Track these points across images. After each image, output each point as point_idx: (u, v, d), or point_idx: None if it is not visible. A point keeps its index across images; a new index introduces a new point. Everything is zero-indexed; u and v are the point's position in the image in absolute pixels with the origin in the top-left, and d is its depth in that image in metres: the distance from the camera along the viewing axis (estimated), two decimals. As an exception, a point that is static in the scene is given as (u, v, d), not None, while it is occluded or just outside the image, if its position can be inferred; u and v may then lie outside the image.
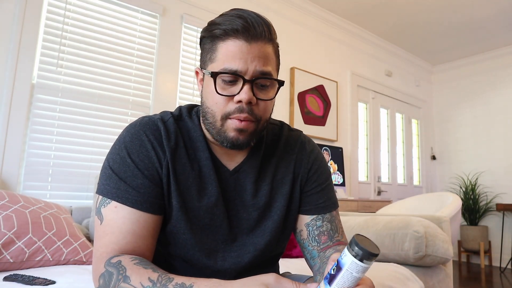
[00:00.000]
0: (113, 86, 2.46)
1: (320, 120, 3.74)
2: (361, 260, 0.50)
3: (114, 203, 0.69)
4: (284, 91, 3.50)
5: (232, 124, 0.71)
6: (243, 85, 0.69)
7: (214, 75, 0.69)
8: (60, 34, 2.26)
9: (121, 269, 0.62)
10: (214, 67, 0.71)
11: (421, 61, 5.22)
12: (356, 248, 0.50)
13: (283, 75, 3.50)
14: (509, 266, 4.38)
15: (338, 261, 0.53)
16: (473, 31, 4.30)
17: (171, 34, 2.75)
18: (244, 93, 0.69)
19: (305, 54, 3.74)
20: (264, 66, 0.70)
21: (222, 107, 0.71)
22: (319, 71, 3.83)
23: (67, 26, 2.30)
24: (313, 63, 3.80)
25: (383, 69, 4.67)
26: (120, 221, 0.68)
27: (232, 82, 0.70)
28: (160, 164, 0.73)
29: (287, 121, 3.48)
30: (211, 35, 0.71)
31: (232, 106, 0.70)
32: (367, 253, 0.50)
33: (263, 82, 0.71)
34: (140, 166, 0.71)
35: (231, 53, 0.68)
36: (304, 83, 3.62)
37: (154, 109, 2.60)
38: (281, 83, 0.74)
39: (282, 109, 3.47)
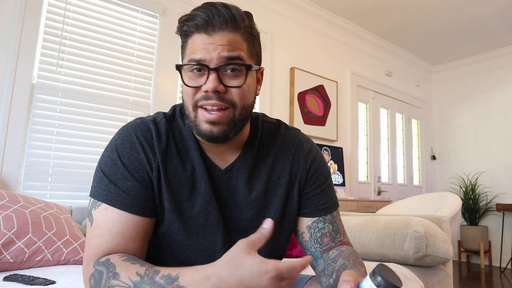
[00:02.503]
0: (113, 86, 2.46)
1: (320, 120, 3.74)
2: None
3: (104, 205, 0.69)
4: (284, 91, 3.51)
5: (202, 116, 0.70)
6: (208, 74, 0.68)
7: (178, 67, 0.71)
8: (60, 34, 2.26)
9: (110, 266, 0.63)
10: (183, 62, 0.72)
11: (421, 61, 5.22)
12: (379, 278, 0.50)
13: (283, 75, 3.50)
14: (509, 266, 4.38)
15: (359, 287, 0.53)
16: (473, 31, 4.30)
17: (171, 34, 2.75)
18: (209, 82, 0.68)
19: (305, 54, 3.74)
20: (229, 52, 0.69)
21: (191, 96, 0.71)
22: (319, 71, 3.83)
23: (67, 26, 2.30)
24: (313, 63, 3.80)
25: (383, 69, 4.67)
26: (110, 224, 0.68)
27: (199, 72, 0.70)
28: (150, 166, 0.73)
29: (287, 121, 3.49)
30: (181, 33, 0.73)
31: (199, 95, 0.70)
32: (390, 285, 0.50)
33: (232, 68, 0.70)
34: (130, 168, 0.71)
35: (194, 46, 0.69)
36: (304, 83, 3.62)
37: (154, 109, 2.60)
38: (248, 66, 0.71)
39: (282, 109, 3.47)
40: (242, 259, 0.55)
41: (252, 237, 0.58)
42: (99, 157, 2.31)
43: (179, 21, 0.72)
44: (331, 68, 4.00)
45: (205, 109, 0.70)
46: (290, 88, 3.54)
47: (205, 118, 0.70)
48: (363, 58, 4.42)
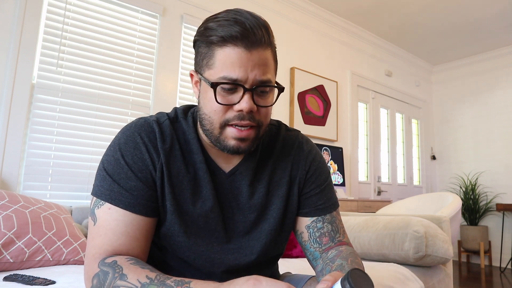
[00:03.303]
0: (113, 86, 2.46)
1: (320, 120, 3.74)
2: None
3: (107, 205, 0.69)
4: (284, 91, 3.50)
5: (232, 133, 0.70)
6: (244, 94, 0.68)
7: (214, 85, 0.67)
8: (60, 34, 2.26)
9: (117, 268, 0.63)
10: (212, 74, 0.68)
11: (421, 61, 5.22)
12: (348, 285, 0.51)
13: (283, 75, 3.50)
14: (509, 266, 4.38)
15: None
16: (473, 31, 4.30)
17: (171, 34, 2.75)
18: (245, 103, 0.67)
19: (305, 54, 3.74)
20: (264, 74, 0.69)
21: (221, 114, 0.69)
22: (319, 71, 3.83)
23: (67, 26, 2.30)
24: (313, 63, 3.80)
25: (383, 69, 4.67)
26: (114, 223, 0.68)
27: (232, 90, 0.68)
28: (154, 167, 0.72)
29: (287, 121, 3.49)
30: (207, 40, 0.68)
31: (231, 114, 0.69)
32: None
33: (263, 89, 0.70)
34: (134, 168, 0.71)
35: (230, 61, 0.66)
36: (304, 83, 3.62)
37: (154, 109, 2.60)
38: (281, 89, 0.73)
39: (282, 109, 3.47)
40: (262, 281, 0.55)
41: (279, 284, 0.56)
42: (99, 157, 2.32)
43: (206, 28, 0.69)
44: (331, 68, 4.00)
45: (235, 126, 0.70)
46: (290, 88, 3.54)
47: (234, 135, 0.70)
48: (363, 58, 4.42)
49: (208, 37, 0.68)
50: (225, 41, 0.66)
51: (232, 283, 0.57)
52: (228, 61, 0.66)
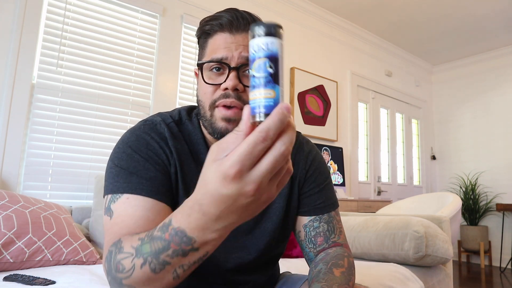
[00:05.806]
0: (113, 86, 2.45)
1: (320, 120, 3.74)
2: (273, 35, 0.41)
3: (125, 195, 0.65)
4: (284, 90, 3.50)
5: (219, 113, 0.70)
6: (229, 72, 0.70)
7: (200, 65, 0.73)
8: (60, 34, 2.26)
9: (118, 243, 0.59)
10: (204, 60, 0.74)
11: (421, 61, 5.21)
12: (256, 27, 0.42)
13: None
14: (509, 266, 4.38)
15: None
16: (473, 31, 4.30)
17: (171, 34, 2.75)
18: (229, 80, 0.69)
19: (305, 54, 3.74)
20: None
21: (210, 95, 0.71)
22: (319, 71, 3.83)
23: (67, 26, 2.30)
24: (313, 63, 3.80)
25: (383, 69, 4.67)
26: (132, 209, 0.64)
27: (219, 71, 0.71)
28: (168, 162, 0.72)
29: (287, 121, 3.48)
30: (202, 31, 0.75)
31: (218, 93, 0.71)
32: (271, 25, 0.41)
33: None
34: (151, 161, 0.70)
35: (217, 45, 0.72)
36: (304, 83, 3.62)
37: (154, 109, 2.60)
38: None
39: (282, 109, 3.47)
40: (206, 171, 0.45)
41: (224, 138, 0.44)
42: (99, 157, 2.32)
43: (201, 22, 0.75)
44: (331, 68, 4.00)
45: (222, 107, 0.70)
46: (290, 88, 3.54)
47: (221, 115, 0.70)
48: (363, 58, 4.42)
49: (201, 28, 0.75)
50: (213, 29, 0.73)
51: (193, 193, 0.48)
52: (215, 45, 0.72)
